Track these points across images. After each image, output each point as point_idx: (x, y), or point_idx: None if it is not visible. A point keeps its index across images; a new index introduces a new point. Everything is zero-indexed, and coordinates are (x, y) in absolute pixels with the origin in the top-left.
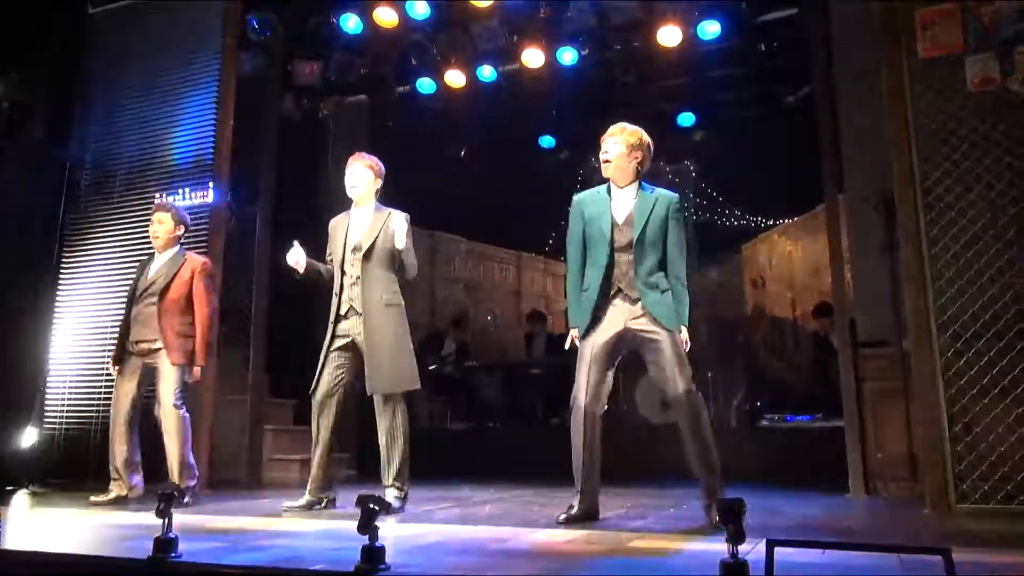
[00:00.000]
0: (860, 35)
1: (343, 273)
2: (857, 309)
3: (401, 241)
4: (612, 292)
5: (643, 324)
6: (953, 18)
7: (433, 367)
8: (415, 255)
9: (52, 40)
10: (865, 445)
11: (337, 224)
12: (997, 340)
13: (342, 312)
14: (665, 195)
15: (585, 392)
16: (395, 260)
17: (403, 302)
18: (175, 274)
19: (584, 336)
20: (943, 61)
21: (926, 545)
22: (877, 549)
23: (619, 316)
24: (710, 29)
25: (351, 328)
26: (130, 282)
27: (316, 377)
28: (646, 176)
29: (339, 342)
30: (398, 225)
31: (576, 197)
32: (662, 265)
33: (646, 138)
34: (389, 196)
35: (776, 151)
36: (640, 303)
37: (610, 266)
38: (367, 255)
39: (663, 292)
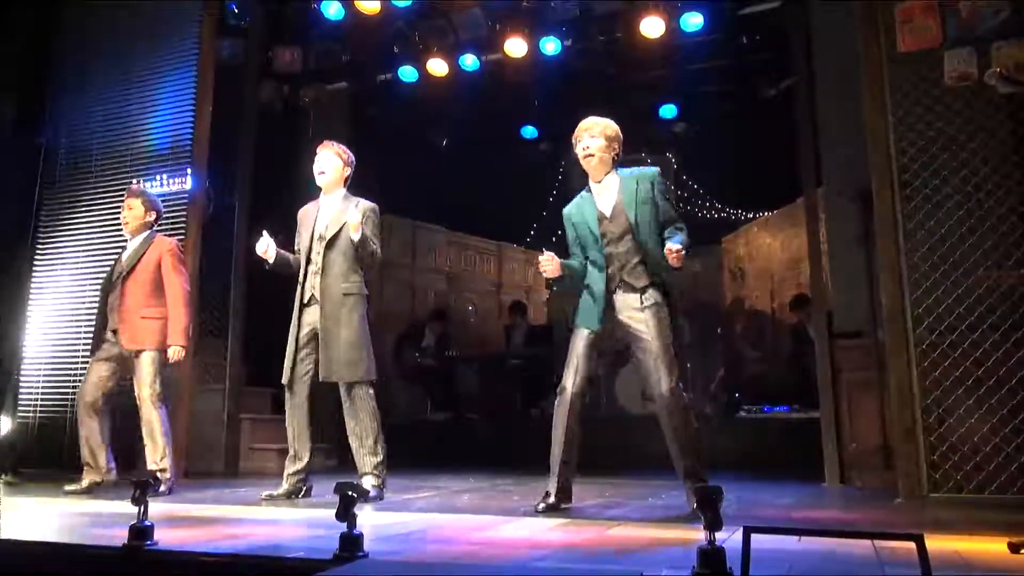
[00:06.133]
0: (840, 29)
1: (308, 261)
2: (834, 301)
3: (357, 235)
4: (613, 286)
5: (635, 319)
6: (931, 13)
7: (414, 359)
8: (376, 247)
9: (25, 22)
10: (840, 435)
11: (306, 213)
12: (971, 332)
13: (305, 300)
14: (644, 173)
15: (573, 381)
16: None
17: (366, 292)
18: (141, 256)
19: (579, 326)
20: (921, 55)
21: (899, 532)
22: (852, 536)
23: (615, 309)
24: (693, 21)
25: (314, 318)
26: (106, 269)
27: (286, 365)
28: (624, 165)
29: (304, 331)
30: (352, 218)
31: (564, 211)
32: (660, 242)
33: (619, 129)
34: (370, 185)
35: (757, 144)
36: (643, 294)
37: (607, 261)
38: (331, 244)
39: (663, 275)
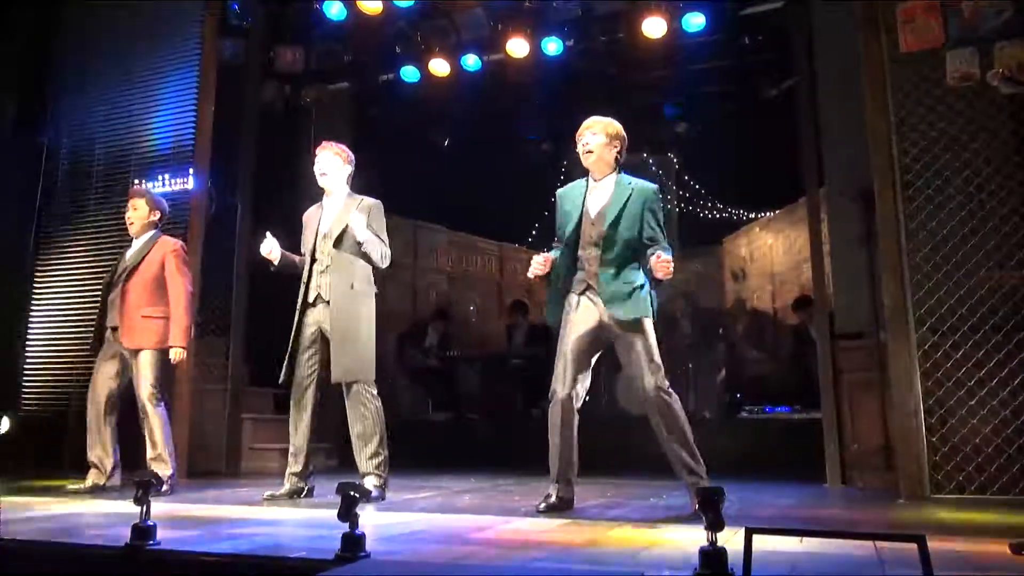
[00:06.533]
0: (842, 29)
1: (313, 260)
2: (835, 301)
3: (361, 234)
4: (582, 289)
5: (617, 320)
6: (934, 13)
7: (416, 359)
8: (384, 244)
9: (25, 22)
10: (842, 436)
11: (310, 215)
12: (973, 333)
13: (310, 300)
14: (642, 187)
15: (562, 383)
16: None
17: (375, 289)
18: (145, 255)
19: (562, 328)
20: (923, 55)
21: (901, 533)
22: (853, 537)
23: (593, 310)
24: (695, 21)
25: (319, 318)
26: (108, 269)
27: (285, 366)
28: (627, 167)
29: (308, 331)
30: (356, 218)
31: (558, 192)
32: (633, 258)
33: (622, 130)
34: (372, 185)
35: (758, 144)
36: (605, 303)
37: (578, 261)
38: (337, 242)
39: (631, 290)
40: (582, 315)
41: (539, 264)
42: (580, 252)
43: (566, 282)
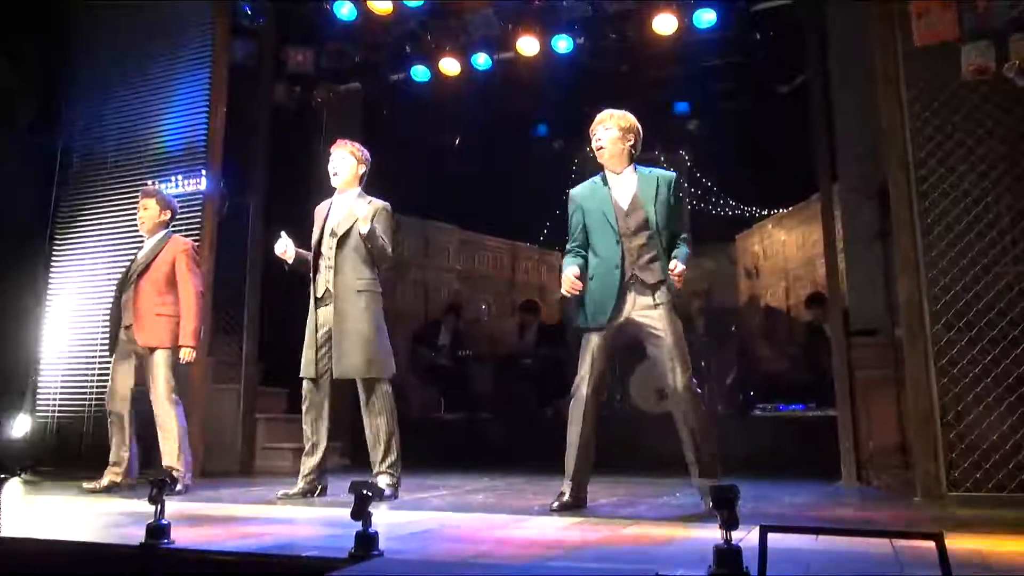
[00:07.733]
0: (855, 24)
1: (320, 256)
2: (850, 298)
3: (364, 227)
4: (625, 280)
5: (648, 317)
6: (948, 7)
7: (431, 355)
8: (387, 245)
9: (41, 23)
10: (857, 433)
11: (320, 209)
12: (990, 328)
13: (319, 295)
14: (664, 176)
15: (588, 382)
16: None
17: (379, 289)
18: (156, 255)
19: (590, 324)
20: (937, 49)
21: (919, 531)
22: (870, 535)
23: (627, 306)
24: (706, 17)
25: (329, 316)
26: (122, 269)
27: (307, 359)
28: (639, 163)
29: (322, 331)
30: (361, 209)
31: (572, 192)
32: (667, 248)
33: (636, 122)
34: (383, 185)
35: (770, 141)
36: (653, 293)
37: (621, 254)
38: (342, 241)
39: (668, 285)
40: (614, 312)
41: (570, 282)
42: (622, 244)
43: (600, 276)
